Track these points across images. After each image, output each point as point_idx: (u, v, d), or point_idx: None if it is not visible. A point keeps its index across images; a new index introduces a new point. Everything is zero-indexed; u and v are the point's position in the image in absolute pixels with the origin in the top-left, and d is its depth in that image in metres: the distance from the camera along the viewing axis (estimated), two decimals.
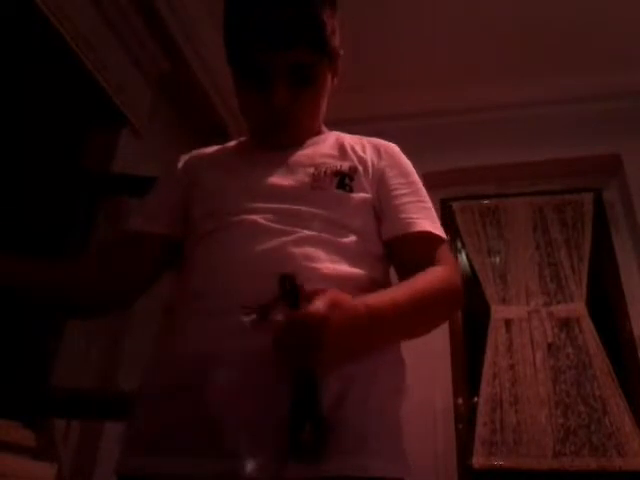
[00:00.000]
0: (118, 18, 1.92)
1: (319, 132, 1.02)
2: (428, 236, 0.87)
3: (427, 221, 0.89)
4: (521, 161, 2.53)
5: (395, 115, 2.64)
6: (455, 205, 2.60)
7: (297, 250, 0.78)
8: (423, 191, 0.95)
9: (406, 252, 0.87)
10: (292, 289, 0.66)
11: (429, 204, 0.93)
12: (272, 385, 0.68)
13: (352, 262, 0.82)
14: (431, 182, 2.50)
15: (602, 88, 2.47)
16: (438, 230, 0.89)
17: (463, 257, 2.55)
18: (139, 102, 2.07)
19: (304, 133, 0.97)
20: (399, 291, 0.78)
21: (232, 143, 1.06)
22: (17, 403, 1.51)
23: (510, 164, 2.55)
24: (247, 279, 0.76)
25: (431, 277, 0.82)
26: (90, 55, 1.79)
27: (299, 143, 0.96)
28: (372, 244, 0.87)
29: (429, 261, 0.84)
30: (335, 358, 0.67)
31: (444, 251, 0.88)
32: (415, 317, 0.78)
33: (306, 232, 0.81)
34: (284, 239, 0.79)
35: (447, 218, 2.58)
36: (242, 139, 1.06)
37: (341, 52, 0.96)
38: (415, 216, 0.88)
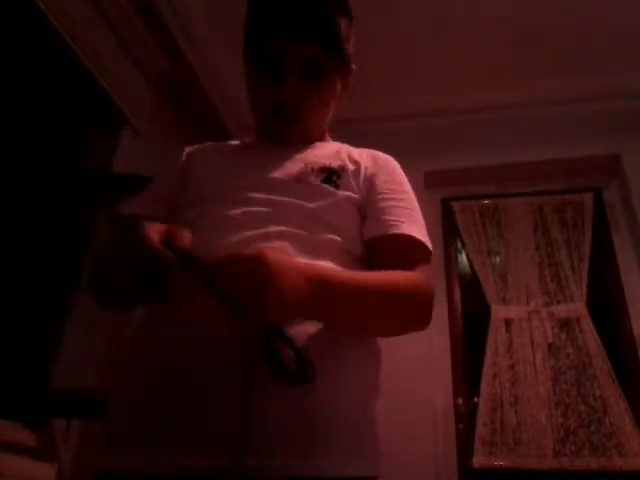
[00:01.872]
0: (118, 18, 1.93)
1: (322, 139, 1.02)
2: (412, 241, 0.85)
3: (414, 226, 0.86)
4: (521, 161, 2.53)
5: (395, 115, 2.64)
6: (455, 205, 2.60)
7: (262, 245, 0.75)
8: (415, 204, 0.92)
9: (386, 253, 0.84)
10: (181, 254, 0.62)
11: (420, 216, 0.90)
12: (237, 382, 0.67)
13: (327, 260, 0.79)
14: (431, 182, 2.56)
15: (602, 88, 2.47)
16: (424, 238, 0.86)
17: (463, 257, 2.55)
18: (139, 102, 2.07)
19: (307, 133, 0.97)
20: (360, 273, 0.77)
21: (237, 141, 1.06)
22: (17, 403, 1.51)
23: (510, 164, 2.55)
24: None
25: (402, 276, 0.79)
26: (90, 55, 1.79)
27: (301, 143, 0.96)
28: (352, 244, 0.85)
29: (407, 267, 0.81)
30: (287, 299, 0.63)
31: (424, 261, 0.85)
32: (373, 302, 0.75)
33: (276, 227, 0.79)
34: (251, 233, 0.78)
35: (447, 218, 2.58)
36: (246, 139, 1.06)
37: (353, 66, 0.98)
38: (402, 220, 0.86)
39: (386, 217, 0.86)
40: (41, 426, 1.54)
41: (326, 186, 0.86)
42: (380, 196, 0.89)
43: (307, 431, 0.68)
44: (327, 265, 0.77)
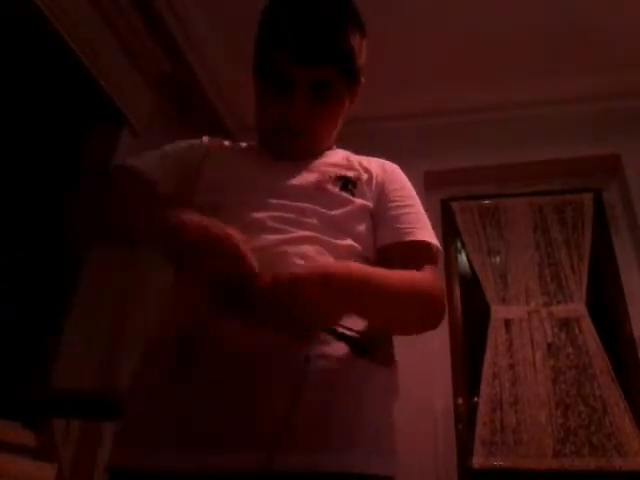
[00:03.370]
0: (118, 18, 1.93)
1: (330, 148, 1.04)
2: (425, 246, 0.90)
3: (425, 231, 0.91)
4: (521, 161, 2.53)
5: (395, 115, 2.64)
6: (455, 205, 2.60)
7: (292, 249, 0.79)
8: (422, 209, 0.97)
9: (401, 259, 0.87)
10: None
11: (427, 220, 0.95)
12: (267, 381, 0.70)
13: None
14: (431, 182, 2.56)
15: (602, 88, 2.47)
16: (436, 241, 0.92)
17: (463, 257, 2.55)
18: (139, 102, 2.07)
19: (314, 148, 0.98)
20: (389, 272, 0.81)
21: (243, 144, 1.07)
22: (17, 403, 1.51)
23: (510, 164, 2.55)
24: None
25: (420, 277, 0.85)
26: (90, 55, 1.79)
27: (309, 156, 0.97)
28: (368, 251, 0.89)
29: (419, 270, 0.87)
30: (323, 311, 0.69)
31: (434, 264, 0.91)
32: (398, 297, 0.80)
33: (303, 232, 0.82)
34: (280, 237, 0.80)
35: (447, 218, 2.58)
36: (252, 143, 1.07)
37: (362, 79, 0.98)
38: (414, 226, 0.91)
39: (400, 225, 0.90)
40: (41, 426, 1.54)
41: (344, 194, 0.89)
42: (392, 204, 0.93)
43: (332, 428, 0.71)
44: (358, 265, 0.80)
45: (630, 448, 1.98)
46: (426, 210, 0.97)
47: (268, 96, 0.92)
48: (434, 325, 0.86)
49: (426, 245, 0.90)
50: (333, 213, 0.86)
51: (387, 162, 1.02)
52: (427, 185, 2.52)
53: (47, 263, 1.70)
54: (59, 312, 1.70)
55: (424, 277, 0.85)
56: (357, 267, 0.77)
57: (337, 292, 0.69)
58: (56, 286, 1.71)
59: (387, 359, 0.84)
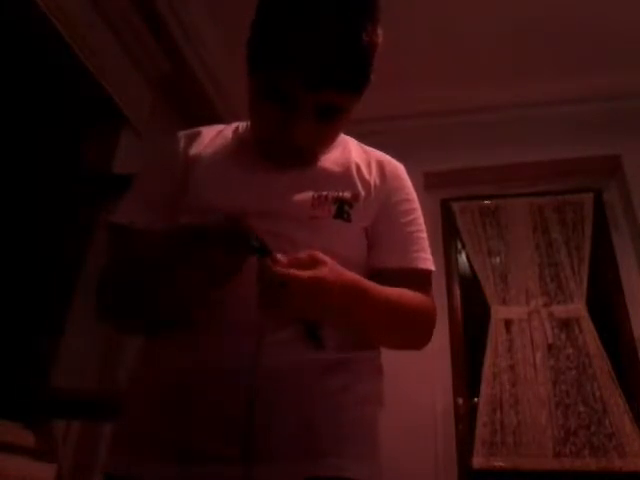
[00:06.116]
0: (118, 18, 1.93)
1: None
2: (428, 273, 0.91)
3: (428, 255, 0.91)
4: (521, 161, 2.53)
5: (396, 115, 2.64)
6: (455, 205, 2.60)
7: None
8: (422, 219, 0.95)
9: (402, 282, 0.85)
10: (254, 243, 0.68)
11: (425, 233, 0.95)
12: (248, 394, 0.71)
13: None
14: (431, 182, 2.56)
15: (602, 88, 2.47)
16: (434, 266, 0.92)
17: (463, 257, 2.55)
18: (139, 102, 2.07)
19: (316, 156, 0.92)
20: (389, 289, 0.82)
21: (231, 135, 0.99)
22: (17, 404, 1.51)
23: (510, 164, 2.55)
24: (242, 310, 0.75)
25: (421, 299, 0.87)
26: (90, 55, 1.79)
27: (307, 160, 0.91)
28: (358, 269, 0.83)
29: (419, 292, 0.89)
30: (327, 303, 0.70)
31: (431, 286, 0.92)
32: (399, 314, 0.82)
33: None
34: None
35: (447, 218, 2.58)
36: (241, 131, 0.99)
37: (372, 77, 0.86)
38: (421, 248, 0.91)
39: (407, 249, 0.89)
40: (41, 426, 1.54)
41: (339, 222, 0.84)
42: (397, 222, 0.91)
43: (320, 435, 0.73)
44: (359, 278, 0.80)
45: (630, 449, 1.98)
46: (423, 209, 0.96)
47: (266, 107, 0.83)
48: (424, 344, 0.89)
49: (429, 272, 0.90)
50: (329, 244, 0.80)
51: (387, 161, 0.97)
52: (427, 185, 2.52)
53: (47, 263, 1.70)
54: (59, 312, 1.70)
55: (429, 301, 0.88)
56: (377, 286, 0.79)
57: (353, 303, 0.73)
58: (56, 286, 1.71)
59: (374, 369, 0.87)
